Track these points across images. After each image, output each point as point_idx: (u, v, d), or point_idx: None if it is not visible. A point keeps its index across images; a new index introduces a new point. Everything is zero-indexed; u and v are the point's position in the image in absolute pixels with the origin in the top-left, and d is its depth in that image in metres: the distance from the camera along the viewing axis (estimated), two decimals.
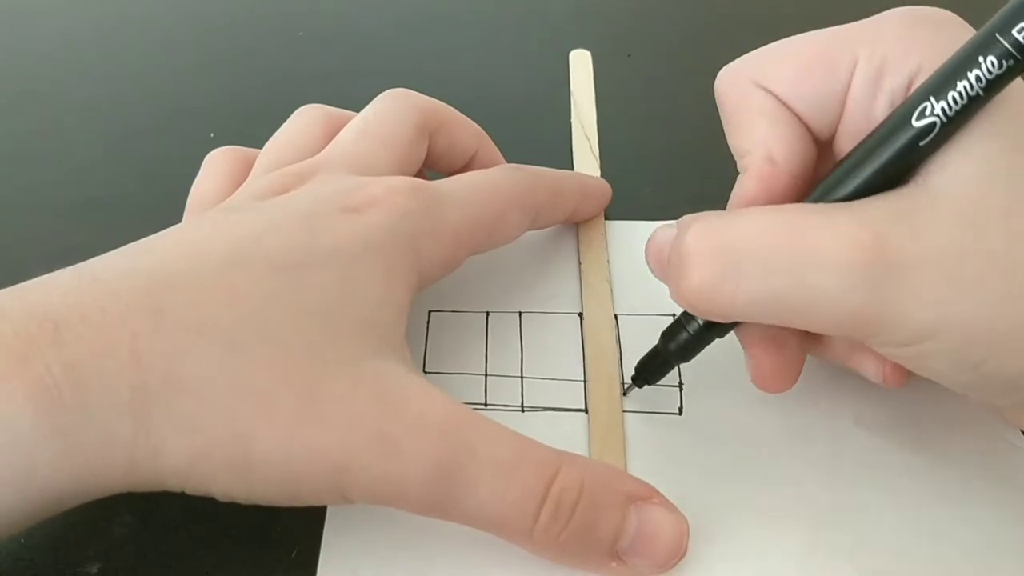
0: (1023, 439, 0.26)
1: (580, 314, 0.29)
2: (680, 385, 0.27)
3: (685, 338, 0.25)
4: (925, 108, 0.20)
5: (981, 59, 0.20)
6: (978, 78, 0.20)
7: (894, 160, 0.21)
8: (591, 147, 0.35)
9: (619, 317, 0.29)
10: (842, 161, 0.22)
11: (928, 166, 0.21)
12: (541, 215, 0.29)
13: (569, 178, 0.32)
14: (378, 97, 0.29)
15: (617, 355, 0.28)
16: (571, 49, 0.40)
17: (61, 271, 0.22)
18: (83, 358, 0.20)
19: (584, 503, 0.22)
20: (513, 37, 0.42)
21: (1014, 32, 0.19)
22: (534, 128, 0.37)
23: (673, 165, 0.35)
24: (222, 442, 0.21)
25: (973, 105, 0.20)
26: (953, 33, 0.21)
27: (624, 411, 0.27)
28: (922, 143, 0.20)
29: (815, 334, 0.24)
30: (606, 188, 0.33)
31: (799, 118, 0.24)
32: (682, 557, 0.23)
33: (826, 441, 0.26)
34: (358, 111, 0.29)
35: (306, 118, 0.29)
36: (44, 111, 0.39)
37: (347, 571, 0.23)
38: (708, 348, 0.28)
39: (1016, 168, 0.20)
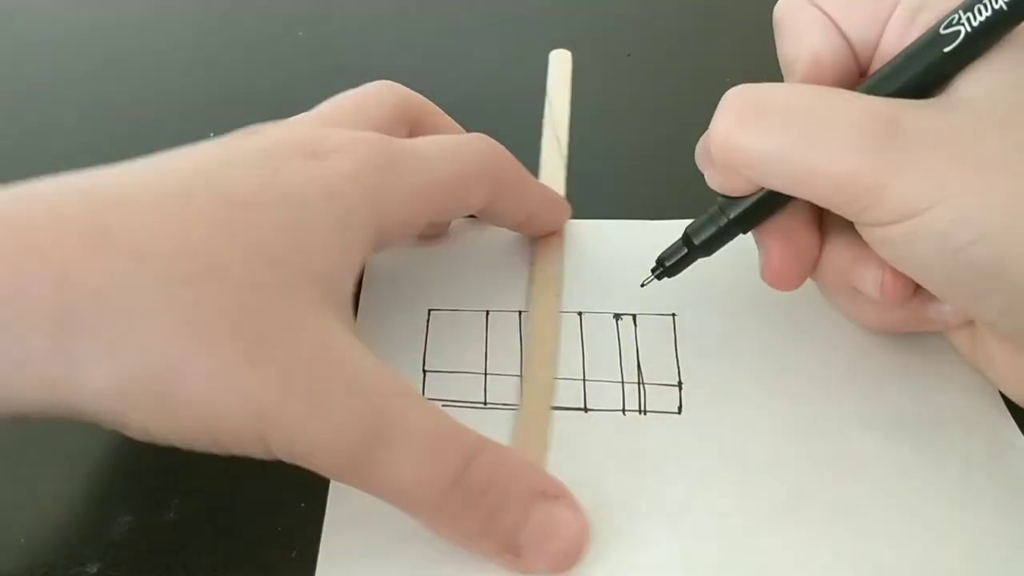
0: (1023, 439, 0.26)
1: (580, 313, 0.29)
2: (680, 385, 0.27)
3: (712, 232, 0.25)
4: (953, 19, 0.22)
5: None
6: None
7: (922, 67, 0.23)
8: (560, 148, 0.35)
9: (619, 317, 0.29)
10: (878, 70, 0.24)
11: (955, 82, 0.22)
12: (501, 197, 0.29)
13: (535, 180, 0.31)
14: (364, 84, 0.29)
15: (555, 356, 0.28)
16: (573, 48, 0.40)
17: (6, 187, 0.22)
18: (4, 274, 0.19)
19: (494, 490, 0.22)
20: (513, 36, 0.42)
21: None
22: (532, 129, 0.37)
23: (673, 165, 0.35)
24: (150, 372, 0.20)
25: (999, 22, 0.21)
26: None
27: (553, 408, 0.26)
28: (947, 49, 0.22)
29: (824, 238, 0.26)
30: (566, 204, 0.32)
31: (846, 39, 0.25)
32: (578, 560, 0.23)
33: (826, 440, 0.26)
34: None
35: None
36: (44, 111, 0.39)
37: (346, 572, 0.23)
38: (708, 344, 0.28)
39: None
